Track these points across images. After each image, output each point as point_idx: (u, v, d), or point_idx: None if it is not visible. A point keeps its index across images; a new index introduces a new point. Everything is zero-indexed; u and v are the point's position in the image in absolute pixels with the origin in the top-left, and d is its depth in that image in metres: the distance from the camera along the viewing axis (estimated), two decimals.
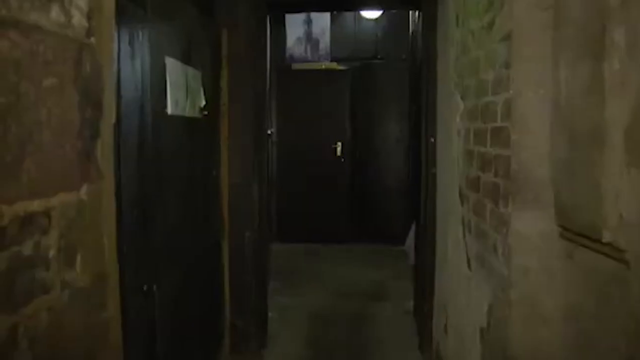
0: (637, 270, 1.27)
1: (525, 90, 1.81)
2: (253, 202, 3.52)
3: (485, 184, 2.15)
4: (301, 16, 6.94)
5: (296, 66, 7.05)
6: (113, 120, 1.40)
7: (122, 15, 1.71)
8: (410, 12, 5.18)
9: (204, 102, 2.79)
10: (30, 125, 1.08)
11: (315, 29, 7.03)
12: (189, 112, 2.58)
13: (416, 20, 4.38)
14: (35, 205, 1.10)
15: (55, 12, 1.13)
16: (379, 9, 6.31)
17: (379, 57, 6.96)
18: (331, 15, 6.95)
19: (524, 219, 1.82)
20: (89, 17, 1.26)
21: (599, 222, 1.39)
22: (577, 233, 1.59)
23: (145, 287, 2.03)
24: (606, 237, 1.37)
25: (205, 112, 2.84)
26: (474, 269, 2.36)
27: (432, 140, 3.33)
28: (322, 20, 7.00)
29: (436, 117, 3.31)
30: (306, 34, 7.05)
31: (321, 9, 6.07)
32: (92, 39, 1.29)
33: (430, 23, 3.37)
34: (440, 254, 3.23)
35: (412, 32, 4.91)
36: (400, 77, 6.05)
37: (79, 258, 1.24)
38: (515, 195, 1.82)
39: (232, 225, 3.44)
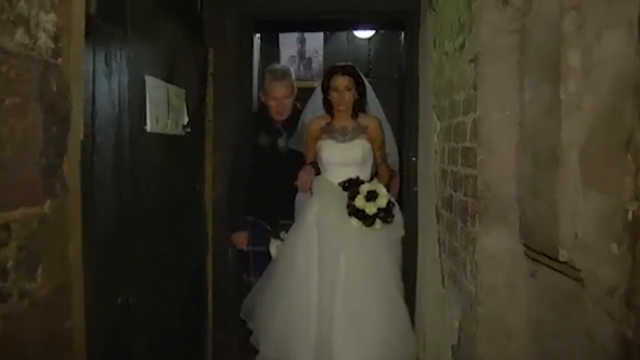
0: (590, 288, 1.29)
1: (491, 111, 1.84)
2: None
3: (456, 202, 2.18)
4: (295, 35, 7.00)
5: None
6: (81, 136, 1.44)
7: (98, 36, 1.75)
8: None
9: (186, 120, 2.83)
10: None
11: (309, 48, 7.09)
12: (170, 129, 2.61)
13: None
14: None
15: (19, 35, 1.16)
16: (367, 29, 6.39)
17: (371, 76, 7.00)
18: (324, 34, 7.02)
19: (491, 237, 1.84)
20: (55, 39, 1.30)
21: (557, 241, 1.42)
22: (539, 252, 1.62)
23: (119, 300, 2.05)
24: (563, 256, 1.40)
25: (188, 129, 2.87)
26: (447, 286, 2.38)
27: (414, 159, 3.37)
28: (315, 39, 7.05)
29: (418, 136, 3.35)
30: (299, 52, 7.11)
31: (311, 29, 6.15)
32: (59, 60, 1.33)
33: (412, 44, 3.44)
34: (421, 272, 3.25)
35: (402, 52, 4.98)
36: (391, 96, 6.08)
37: (40, 268, 1.27)
38: (482, 214, 1.85)
39: (215, 238, 3.46)
